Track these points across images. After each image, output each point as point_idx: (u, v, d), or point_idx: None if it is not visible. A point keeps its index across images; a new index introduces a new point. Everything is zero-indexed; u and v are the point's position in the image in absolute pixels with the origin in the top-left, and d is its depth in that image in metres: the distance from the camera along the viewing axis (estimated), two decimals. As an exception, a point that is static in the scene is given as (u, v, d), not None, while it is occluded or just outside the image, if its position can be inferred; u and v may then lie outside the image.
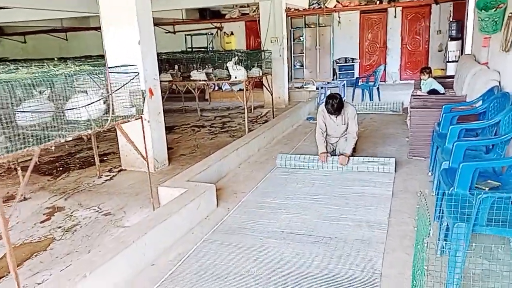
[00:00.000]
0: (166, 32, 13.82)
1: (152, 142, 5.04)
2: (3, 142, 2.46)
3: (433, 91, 6.50)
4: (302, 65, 13.01)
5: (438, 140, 3.93)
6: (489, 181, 2.86)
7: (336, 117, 4.76)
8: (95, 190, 4.63)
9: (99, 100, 3.07)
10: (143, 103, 3.65)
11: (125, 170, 5.27)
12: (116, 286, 2.61)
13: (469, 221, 2.18)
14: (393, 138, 6.02)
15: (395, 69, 12.32)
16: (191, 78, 7.41)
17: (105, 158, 5.93)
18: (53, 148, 2.70)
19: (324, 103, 4.75)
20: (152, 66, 5.01)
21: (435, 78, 6.98)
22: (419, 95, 6.27)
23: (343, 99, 4.71)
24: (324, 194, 3.99)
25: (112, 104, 3.27)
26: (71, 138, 2.79)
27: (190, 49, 13.09)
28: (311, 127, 7.02)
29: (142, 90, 3.66)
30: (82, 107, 2.94)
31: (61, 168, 5.55)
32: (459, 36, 10.05)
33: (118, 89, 3.14)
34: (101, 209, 4.03)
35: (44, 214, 4.00)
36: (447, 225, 2.63)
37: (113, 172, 5.26)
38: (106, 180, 4.97)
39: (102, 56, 5.31)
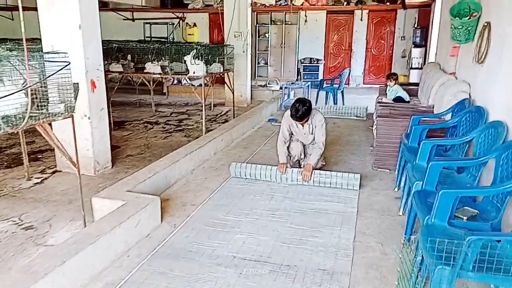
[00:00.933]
0: (124, 19, 12.95)
1: (93, 142, 4.44)
2: None
3: (398, 99, 6.31)
4: (266, 63, 12.62)
5: (407, 154, 3.64)
6: (465, 207, 2.56)
7: (303, 126, 4.35)
8: (20, 195, 3.96)
9: (13, 93, 2.47)
10: (75, 99, 3.08)
11: (60, 171, 4.62)
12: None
13: (452, 263, 1.84)
14: (356, 145, 5.75)
15: (359, 73, 12.22)
16: (145, 71, 6.78)
17: (40, 156, 5.23)
18: None
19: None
20: (95, 54, 4.38)
21: (399, 84, 6.81)
22: (385, 103, 6.04)
23: (313, 107, 4.26)
24: (283, 209, 3.59)
25: (33, 100, 2.67)
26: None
27: (149, 39, 12.29)
28: (273, 129, 6.64)
29: (75, 83, 3.09)
30: (-12, 101, 2.34)
31: (-16, 167, 4.80)
32: (423, 43, 10.04)
33: (37, 82, 2.56)
34: (22, 221, 3.40)
35: (-51, 226, 3.32)
36: (422, 257, 2.31)
37: (46, 173, 4.59)
38: (36, 183, 4.30)
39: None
